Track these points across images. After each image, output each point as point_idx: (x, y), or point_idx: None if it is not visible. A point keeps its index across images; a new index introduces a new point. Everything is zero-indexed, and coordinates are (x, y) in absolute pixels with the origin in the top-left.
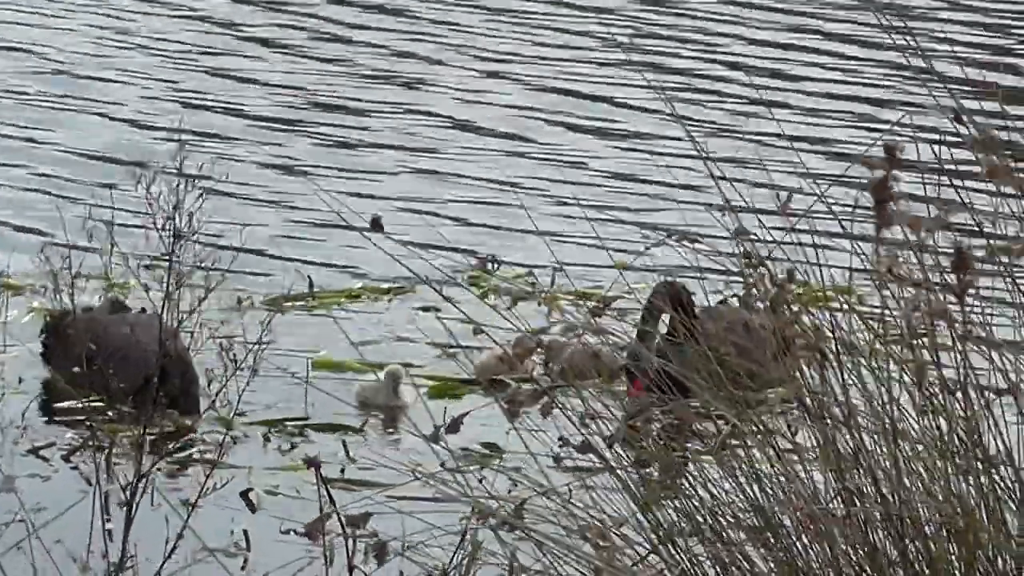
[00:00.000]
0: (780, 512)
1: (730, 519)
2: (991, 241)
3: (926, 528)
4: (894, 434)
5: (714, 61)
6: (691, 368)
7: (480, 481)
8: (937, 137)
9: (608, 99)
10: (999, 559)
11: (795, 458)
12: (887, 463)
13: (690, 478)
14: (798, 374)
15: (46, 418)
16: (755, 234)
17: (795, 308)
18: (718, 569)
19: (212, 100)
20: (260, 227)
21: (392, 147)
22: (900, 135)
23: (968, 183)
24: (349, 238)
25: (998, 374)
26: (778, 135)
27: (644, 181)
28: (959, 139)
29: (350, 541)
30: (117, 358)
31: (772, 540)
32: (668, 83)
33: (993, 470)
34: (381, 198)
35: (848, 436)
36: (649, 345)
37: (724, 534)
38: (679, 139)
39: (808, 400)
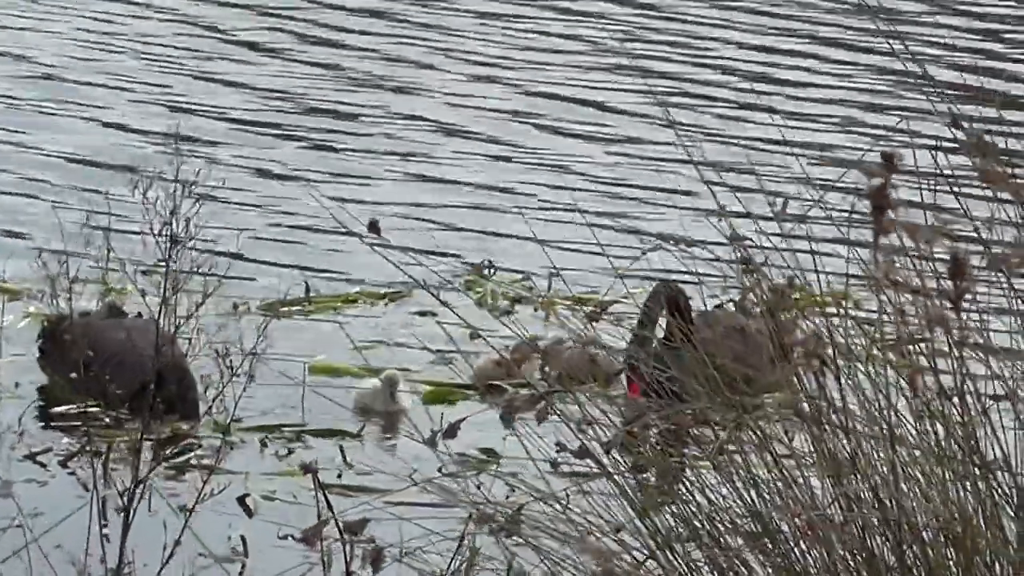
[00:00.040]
0: (778, 518)
1: (728, 525)
2: (989, 248)
3: (924, 534)
4: (892, 440)
5: (704, 65)
6: (688, 373)
7: (478, 487)
8: (932, 143)
9: (598, 103)
10: (997, 565)
11: (793, 464)
12: (885, 469)
13: (687, 484)
14: (795, 380)
15: (43, 423)
16: (751, 239)
17: (793, 314)
18: (716, 575)
19: (201, 104)
20: (254, 233)
21: (381, 152)
22: (895, 140)
23: (964, 189)
24: (344, 243)
25: (995, 380)
26: (767, 140)
27: (635, 186)
28: (954, 144)
29: (348, 547)
30: (113, 363)
31: (770, 546)
32: (658, 87)
33: (990, 476)
34: (371, 203)
35: (846, 442)
36: (647, 347)
37: (722, 540)
38: (670, 143)
39: (806, 406)
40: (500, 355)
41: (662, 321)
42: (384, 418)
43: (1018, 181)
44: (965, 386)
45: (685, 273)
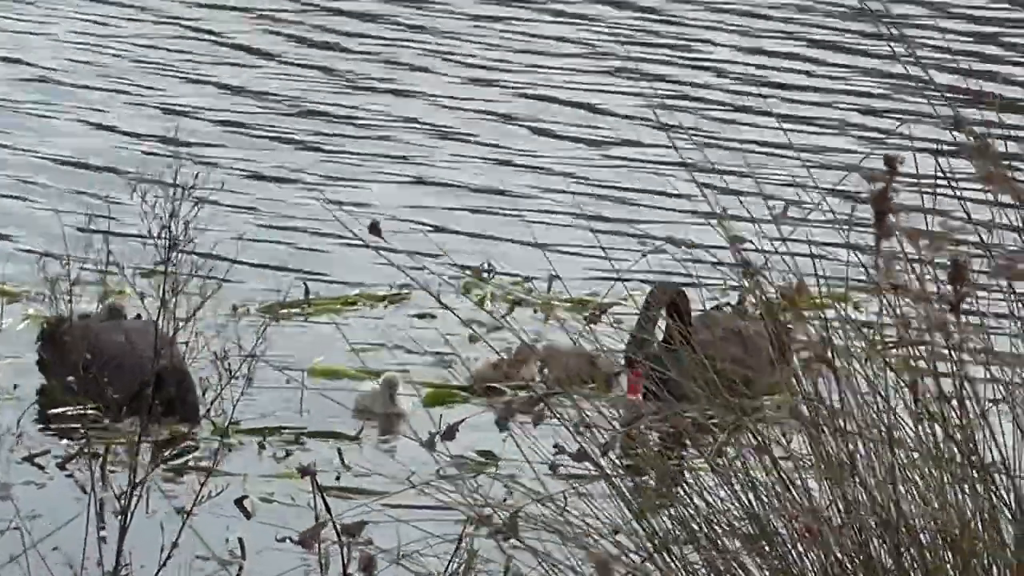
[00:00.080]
0: (776, 520)
1: (725, 527)
2: (990, 253)
3: (922, 537)
4: (890, 442)
5: (700, 68)
6: (687, 375)
7: (477, 489)
8: (930, 146)
9: (594, 106)
10: (994, 568)
11: (791, 466)
12: (883, 471)
13: (685, 486)
14: (794, 382)
15: (42, 425)
16: (751, 241)
17: (798, 315)
18: None
19: (196, 107)
20: (254, 235)
21: (378, 155)
22: (893, 143)
23: (962, 192)
24: (343, 246)
25: (994, 383)
26: (763, 143)
27: (632, 189)
28: (954, 146)
29: (345, 549)
30: (112, 366)
31: (767, 548)
32: (654, 90)
33: (989, 479)
34: (368, 206)
35: (844, 444)
36: (646, 347)
37: (719, 542)
38: (668, 146)
39: (804, 408)
40: (499, 357)
41: (661, 323)
42: (383, 420)
43: (1020, 183)
44: (964, 389)
45: (684, 275)
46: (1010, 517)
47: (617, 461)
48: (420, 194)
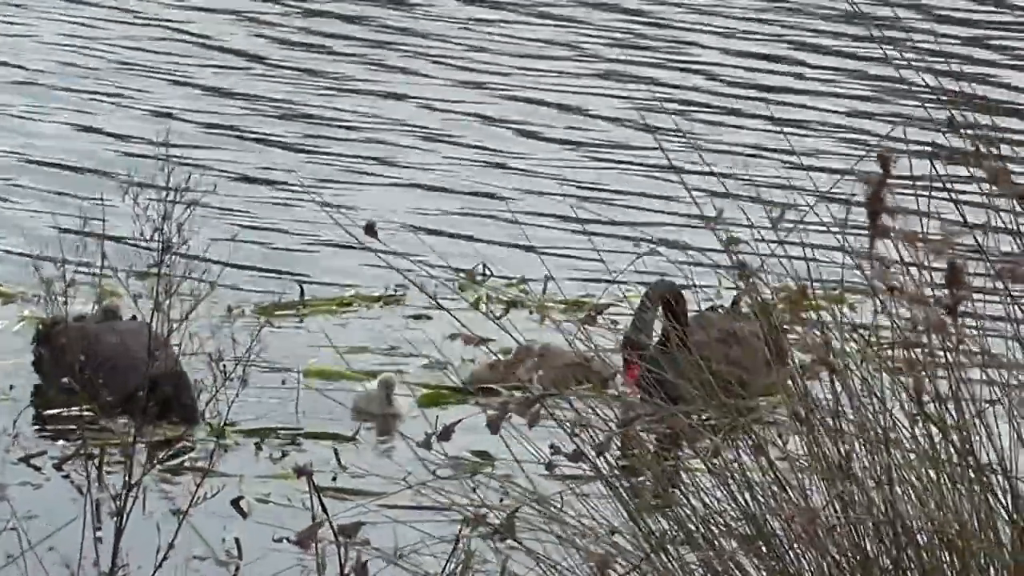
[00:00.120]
0: (772, 521)
1: (722, 527)
2: (986, 255)
3: (918, 537)
4: (886, 443)
5: (692, 71)
6: (684, 377)
7: (474, 490)
8: (925, 149)
9: (582, 109)
10: (991, 568)
11: (787, 466)
12: (879, 472)
13: (682, 487)
14: (791, 383)
15: (38, 427)
16: (747, 243)
17: (796, 317)
18: None
19: (184, 110)
20: (247, 237)
21: (367, 158)
22: (888, 147)
23: (954, 194)
24: (338, 247)
25: (991, 384)
26: (756, 147)
27: (621, 192)
28: (947, 150)
29: (342, 550)
30: (107, 367)
31: (764, 549)
32: (645, 93)
33: (985, 479)
34: (358, 209)
35: (841, 445)
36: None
37: (716, 543)
38: (655, 149)
39: (803, 410)
40: (496, 358)
41: (657, 325)
42: (380, 421)
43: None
44: (960, 390)
45: (679, 277)
46: (1007, 517)
47: (613, 461)
48: (409, 197)
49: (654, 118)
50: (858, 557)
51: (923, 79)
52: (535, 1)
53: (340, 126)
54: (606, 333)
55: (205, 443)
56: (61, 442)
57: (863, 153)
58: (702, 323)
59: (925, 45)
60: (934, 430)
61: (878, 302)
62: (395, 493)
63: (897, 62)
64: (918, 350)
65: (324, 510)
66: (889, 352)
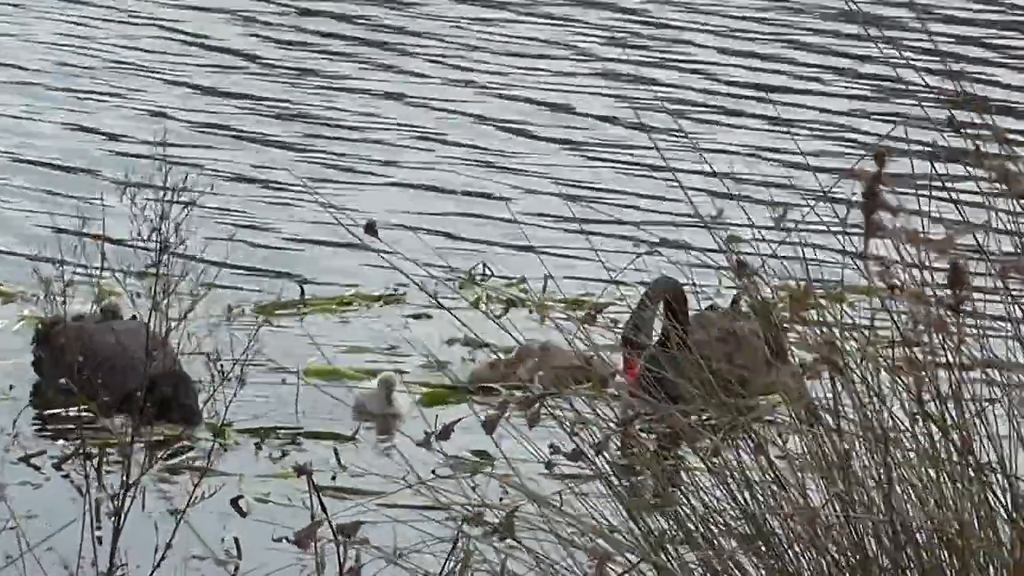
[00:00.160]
0: (772, 520)
1: (722, 527)
2: (986, 255)
3: (918, 536)
4: (885, 442)
5: (689, 71)
6: (683, 376)
7: (474, 489)
8: (923, 148)
9: (576, 109)
10: (991, 567)
11: (786, 465)
12: (879, 471)
13: (682, 486)
14: (792, 383)
15: (37, 426)
16: (747, 242)
17: (798, 317)
18: None
19: (177, 109)
20: (243, 237)
21: (360, 157)
22: (885, 146)
23: (950, 194)
24: (338, 247)
25: (992, 384)
26: (754, 147)
27: (615, 191)
28: (945, 150)
29: (341, 549)
30: (106, 367)
31: (764, 548)
32: (642, 92)
33: (985, 478)
34: (353, 209)
35: (841, 444)
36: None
37: (715, 542)
38: (650, 148)
39: (806, 409)
40: (496, 357)
41: (658, 325)
42: (380, 420)
43: None
44: (960, 389)
45: (679, 276)
46: (1006, 517)
47: (613, 460)
48: (406, 196)
49: (651, 117)
50: (857, 556)
51: (923, 79)
52: (532, 0)
53: (336, 125)
54: (606, 332)
55: (204, 443)
56: (61, 442)
57: (863, 153)
58: (702, 322)
59: (919, 44)
60: (934, 429)
61: (878, 299)
62: (395, 492)
63: (894, 61)
64: (918, 349)
65: (323, 509)
66: (889, 351)
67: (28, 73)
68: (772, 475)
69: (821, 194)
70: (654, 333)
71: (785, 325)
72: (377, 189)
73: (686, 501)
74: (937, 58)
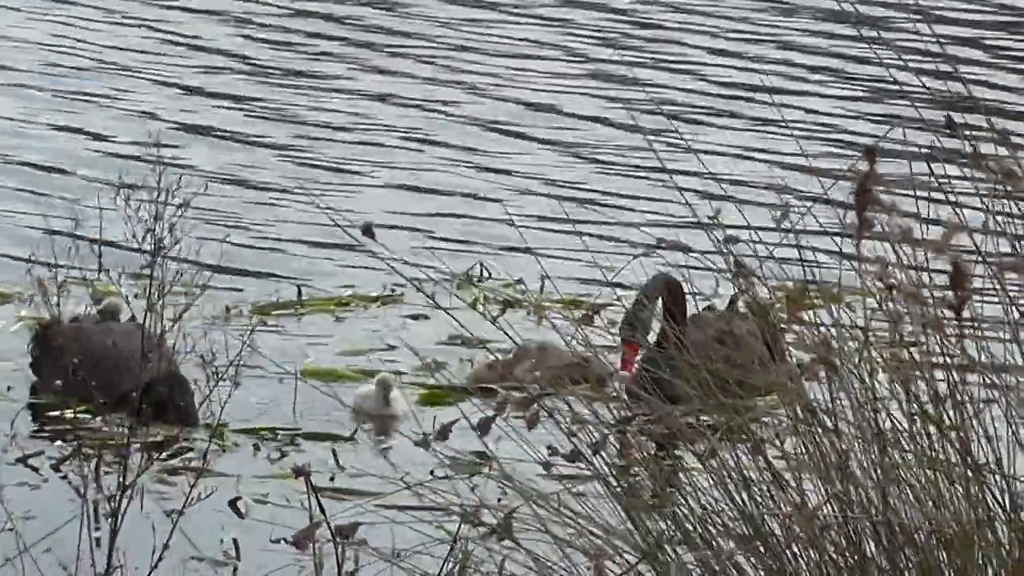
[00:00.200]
0: (770, 520)
1: (720, 527)
2: (984, 256)
3: (916, 537)
4: (883, 443)
5: (683, 72)
6: (681, 376)
7: (473, 490)
8: (917, 150)
9: (569, 110)
10: (989, 568)
11: (784, 466)
12: (877, 471)
13: (679, 487)
14: (790, 383)
15: (35, 427)
16: (745, 241)
17: (795, 317)
18: None
19: (168, 111)
20: (239, 238)
21: (354, 159)
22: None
23: (947, 195)
24: (334, 248)
25: (990, 386)
26: (749, 148)
27: (609, 192)
28: (943, 150)
29: (340, 550)
30: (102, 369)
31: (761, 548)
32: (635, 93)
33: (983, 479)
34: (348, 210)
35: (839, 444)
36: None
37: (713, 542)
38: (646, 149)
39: (805, 410)
40: (494, 358)
41: (656, 326)
42: (378, 421)
43: None
44: (958, 390)
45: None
46: (1004, 518)
47: (611, 461)
48: (400, 197)
49: (644, 119)
50: (856, 557)
51: (921, 81)
52: (524, 1)
53: (327, 126)
54: (603, 332)
55: (204, 443)
56: (58, 443)
57: (857, 154)
58: (699, 323)
59: (915, 45)
60: (932, 430)
61: (873, 299)
62: (393, 493)
63: (888, 61)
64: (915, 349)
65: (322, 510)
66: (887, 351)
67: (19, 74)
68: (770, 476)
69: (819, 195)
70: (652, 333)
71: (782, 326)
72: (368, 190)
73: (684, 501)
74: (930, 59)
